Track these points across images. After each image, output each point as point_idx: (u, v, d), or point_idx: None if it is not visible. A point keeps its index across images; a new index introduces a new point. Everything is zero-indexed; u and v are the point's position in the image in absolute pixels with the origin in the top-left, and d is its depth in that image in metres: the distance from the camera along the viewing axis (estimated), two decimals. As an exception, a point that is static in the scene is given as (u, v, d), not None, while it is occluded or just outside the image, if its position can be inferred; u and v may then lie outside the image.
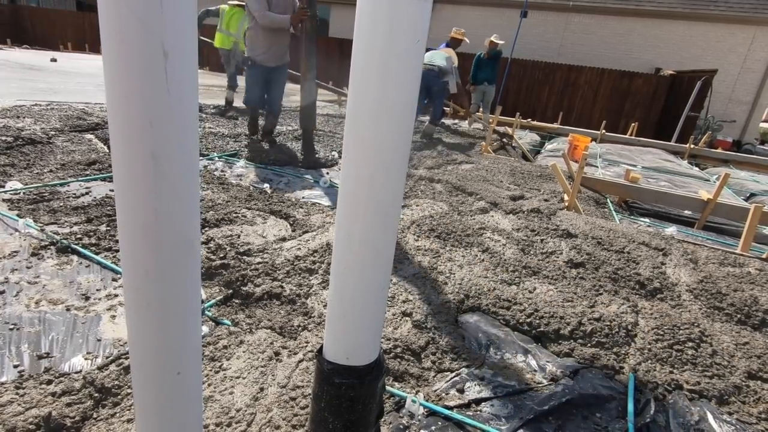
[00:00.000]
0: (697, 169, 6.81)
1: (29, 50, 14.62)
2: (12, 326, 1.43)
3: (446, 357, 1.55)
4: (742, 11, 12.26)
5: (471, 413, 1.31)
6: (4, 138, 3.31)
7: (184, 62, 0.49)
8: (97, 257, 1.91)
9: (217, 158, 3.91)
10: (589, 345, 1.67)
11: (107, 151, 3.63)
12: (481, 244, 2.45)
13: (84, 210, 2.37)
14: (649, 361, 1.61)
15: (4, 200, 2.34)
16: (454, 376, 1.45)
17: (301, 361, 1.44)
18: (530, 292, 2.00)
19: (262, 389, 1.31)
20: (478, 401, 1.35)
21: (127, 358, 1.35)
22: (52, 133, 3.76)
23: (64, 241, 1.97)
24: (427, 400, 1.33)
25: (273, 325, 1.61)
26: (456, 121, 9.14)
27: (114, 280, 1.80)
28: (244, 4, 4.81)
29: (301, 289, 1.86)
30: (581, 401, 1.39)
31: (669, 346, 1.69)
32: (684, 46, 13.05)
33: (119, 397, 1.22)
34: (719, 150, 9.03)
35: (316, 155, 4.39)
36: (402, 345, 1.55)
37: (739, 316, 1.99)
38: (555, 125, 9.48)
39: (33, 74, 8.08)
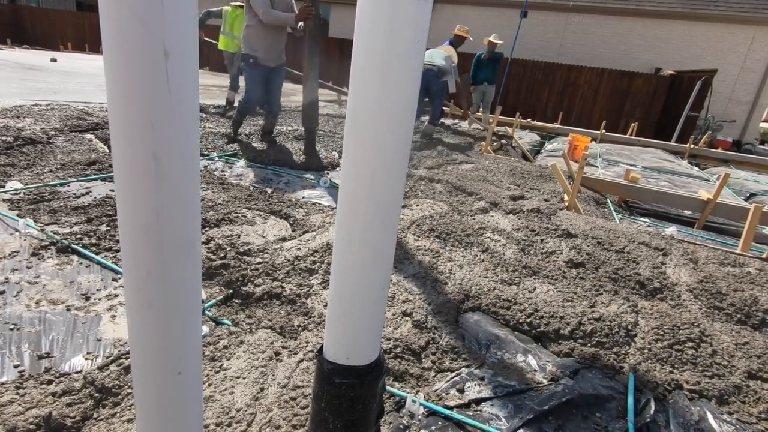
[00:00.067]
0: (697, 169, 6.82)
1: (29, 50, 14.63)
2: (12, 326, 1.43)
3: (446, 357, 1.55)
4: (742, 11, 12.27)
5: (471, 413, 1.31)
6: (4, 138, 3.31)
7: (184, 62, 0.49)
8: (98, 257, 1.91)
9: (217, 158, 3.91)
10: (589, 345, 1.67)
11: (107, 151, 3.63)
12: (481, 244, 2.45)
13: (84, 210, 2.37)
14: (649, 361, 1.61)
15: (4, 200, 2.34)
16: (454, 376, 1.45)
17: (301, 361, 1.44)
18: (530, 292, 2.00)
19: (262, 389, 1.31)
20: (478, 401, 1.35)
21: (127, 358, 1.36)
22: (52, 133, 3.76)
23: (65, 241, 1.97)
24: (427, 400, 1.33)
25: (273, 325, 1.61)
26: (456, 121, 9.14)
27: (114, 280, 1.80)
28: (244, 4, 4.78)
29: (302, 289, 1.86)
30: (581, 401, 1.39)
31: (669, 345, 1.69)
32: (684, 46, 13.05)
33: (119, 397, 1.22)
34: (719, 150, 9.02)
35: (319, 156, 4.34)
36: (402, 345, 1.55)
37: (739, 316, 1.99)
38: (555, 125, 9.48)
39: (33, 74, 8.08)
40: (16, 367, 1.28)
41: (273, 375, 1.37)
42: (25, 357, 1.32)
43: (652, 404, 1.41)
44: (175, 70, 0.48)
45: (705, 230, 3.86)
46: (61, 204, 2.40)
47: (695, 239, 3.29)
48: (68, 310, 1.57)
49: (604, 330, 1.74)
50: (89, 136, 3.95)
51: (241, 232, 2.40)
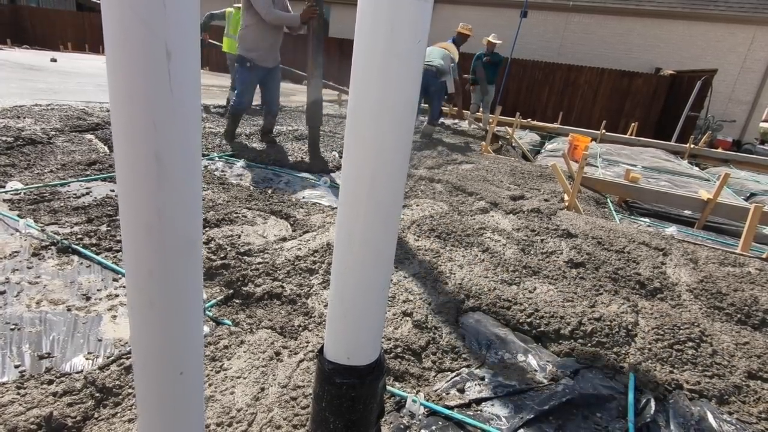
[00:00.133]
0: (697, 168, 6.82)
1: (29, 50, 14.62)
2: (13, 326, 1.43)
3: (447, 357, 1.56)
4: (742, 11, 12.27)
5: (471, 413, 1.31)
6: (4, 138, 3.31)
7: (187, 63, 0.49)
8: (98, 257, 1.91)
9: (217, 158, 3.91)
10: (589, 345, 1.67)
11: (107, 151, 3.63)
12: (481, 244, 2.45)
13: (84, 210, 2.37)
14: (650, 361, 1.61)
15: (4, 200, 2.34)
16: (455, 376, 1.45)
17: (301, 361, 1.44)
18: (530, 292, 2.00)
19: (262, 389, 1.31)
20: (478, 401, 1.35)
21: (128, 358, 1.36)
22: (53, 133, 3.76)
23: (65, 242, 1.97)
24: (427, 400, 1.33)
25: (274, 325, 1.61)
26: (456, 121, 9.14)
27: (115, 280, 1.80)
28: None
29: (302, 289, 1.86)
30: (581, 401, 1.39)
31: (669, 345, 1.69)
32: (684, 45, 13.06)
33: (120, 396, 1.22)
34: (719, 150, 9.03)
35: (323, 158, 4.25)
36: (402, 345, 1.55)
37: (739, 315, 1.99)
38: (555, 125, 9.49)
39: (33, 74, 8.08)
40: (17, 367, 1.28)
41: (273, 375, 1.37)
42: (26, 357, 1.32)
43: (653, 404, 1.41)
44: (177, 71, 0.48)
45: (705, 230, 3.86)
46: (62, 204, 2.40)
47: (695, 239, 3.29)
48: (69, 310, 1.57)
49: (604, 330, 1.74)
50: (89, 136, 3.95)
51: (242, 232, 2.40)
